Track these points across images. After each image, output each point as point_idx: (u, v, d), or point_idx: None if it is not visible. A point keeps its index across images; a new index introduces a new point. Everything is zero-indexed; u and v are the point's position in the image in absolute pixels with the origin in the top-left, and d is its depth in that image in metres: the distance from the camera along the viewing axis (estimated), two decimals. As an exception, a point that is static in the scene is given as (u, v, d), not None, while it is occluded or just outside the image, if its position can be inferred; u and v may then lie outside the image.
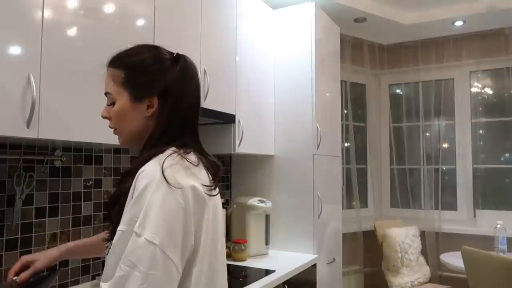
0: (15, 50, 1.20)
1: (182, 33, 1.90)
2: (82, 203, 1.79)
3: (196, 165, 0.89)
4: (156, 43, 1.66)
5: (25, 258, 1.15)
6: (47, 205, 1.64)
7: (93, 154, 1.85)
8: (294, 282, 2.14)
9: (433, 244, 3.63)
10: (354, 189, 3.75)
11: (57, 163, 1.68)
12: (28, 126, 1.20)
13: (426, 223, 3.67)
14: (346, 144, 3.76)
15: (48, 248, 1.62)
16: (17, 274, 1.10)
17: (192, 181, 0.84)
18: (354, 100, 3.92)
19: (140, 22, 1.66)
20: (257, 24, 2.56)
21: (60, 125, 1.32)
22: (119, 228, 0.79)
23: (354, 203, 3.76)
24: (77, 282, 1.75)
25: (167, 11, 1.78)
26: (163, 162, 0.82)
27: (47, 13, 1.28)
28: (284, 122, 2.65)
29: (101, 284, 0.78)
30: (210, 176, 0.92)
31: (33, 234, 1.58)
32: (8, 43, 1.18)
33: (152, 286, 0.74)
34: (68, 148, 1.72)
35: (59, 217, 1.68)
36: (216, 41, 2.15)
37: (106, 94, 0.96)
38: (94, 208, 1.84)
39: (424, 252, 3.53)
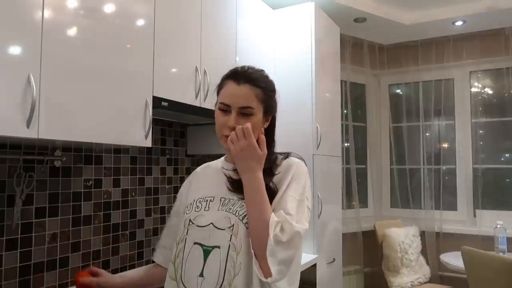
0: (15, 50, 1.20)
1: (182, 33, 1.89)
2: (82, 203, 1.79)
3: None
4: (156, 43, 1.69)
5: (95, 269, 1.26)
6: (47, 205, 1.64)
7: (93, 154, 1.85)
8: (294, 282, 2.14)
9: (433, 244, 3.63)
10: (354, 189, 3.75)
11: (57, 163, 1.68)
12: (28, 126, 1.20)
13: (426, 223, 3.67)
14: (346, 144, 3.76)
15: (47, 248, 1.63)
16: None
17: None
18: (354, 100, 3.92)
19: (140, 22, 1.66)
20: (257, 24, 2.55)
21: (60, 125, 1.32)
22: (291, 194, 1.04)
23: (354, 203, 3.76)
24: (77, 282, 1.75)
25: (167, 11, 1.78)
26: (299, 158, 1.15)
27: (47, 13, 1.28)
28: (284, 122, 2.63)
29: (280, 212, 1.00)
30: None
31: (33, 234, 1.58)
32: (8, 43, 1.17)
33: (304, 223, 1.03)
34: (68, 148, 1.72)
35: (59, 217, 1.69)
36: (216, 41, 2.15)
37: (244, 107, 1.07)
38: (94, 208, 1.84)
39: (424, 252, 3.54)
